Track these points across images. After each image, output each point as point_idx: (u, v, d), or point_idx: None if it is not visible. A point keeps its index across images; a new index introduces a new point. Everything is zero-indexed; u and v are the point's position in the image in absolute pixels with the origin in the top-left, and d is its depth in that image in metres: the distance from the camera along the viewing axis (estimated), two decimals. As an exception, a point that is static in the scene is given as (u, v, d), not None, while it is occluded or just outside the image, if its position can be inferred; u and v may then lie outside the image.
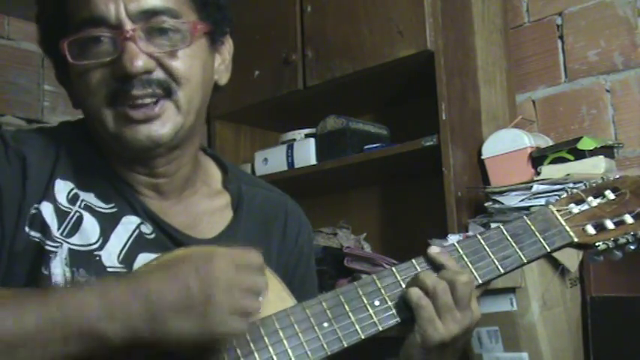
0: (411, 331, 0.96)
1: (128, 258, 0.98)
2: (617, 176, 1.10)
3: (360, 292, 0.95)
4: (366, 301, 0.94)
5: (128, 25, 0.95)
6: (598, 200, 1.07)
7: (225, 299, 0.81)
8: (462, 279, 0.94)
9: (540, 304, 1.59)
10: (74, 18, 0.97)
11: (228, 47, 1.12)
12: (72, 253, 0.95)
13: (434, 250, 0.99)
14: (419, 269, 0.98)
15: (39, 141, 1.01)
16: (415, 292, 0.95)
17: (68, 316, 0.78)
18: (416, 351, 0.96)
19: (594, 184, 1.09)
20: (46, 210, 0.96)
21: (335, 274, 2.16)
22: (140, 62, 0.94)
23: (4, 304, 0.79)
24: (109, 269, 0.96)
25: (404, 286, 0.97)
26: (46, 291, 0.83)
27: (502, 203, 1.78)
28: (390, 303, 0.95)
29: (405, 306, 0.95)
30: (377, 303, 0.94)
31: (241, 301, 0.83)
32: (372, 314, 0.93)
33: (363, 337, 0.92)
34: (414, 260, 0.99)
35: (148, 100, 0.96)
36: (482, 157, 1.94)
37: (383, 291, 0.95)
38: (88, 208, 0.99)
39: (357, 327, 0.92)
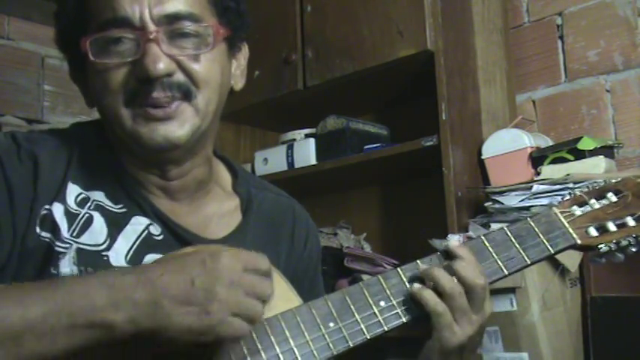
0: (428, 337, 0.95)
1: (135, 259, 0.98)
2: (620, 178, 1.10)
3: (366, 293, 0.95)
4: (371, 302, 0.94)
5: (151, 27, 0.95)
6: (600, 202, 1.08)
7: (227, 297, 0.80)
8: (480, 283, 0.94)
9: (540, 304, 1.59)
10: (97, 17, 0.98)
11: (244, 53, 1.13)
12: (80, 252, 0.95)
13: (454, 243, 0.99)
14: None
15: (51, 142, 1.01)
16: (431, 298, 0.94)
17: (74, 305, 0.77)
18: (435, 356, 0.96)
19: (597, 186, 1.10)
20: (57, 211, 0.96)
21: (335, 274, 2.16)
22: (162, 65, 0.95)
23: (10, 294, 0.78)
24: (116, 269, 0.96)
25: (410, 286, 0.97)
26: (52, 281, 0.83)
27: (502, 203, 1.78)
28: (395, 303, 0.95)
29: (410, 306, 0.95)
30: (382, 303, 0.95)
31: (244, 302, 0.82)
32: (378, 314, 0.94)
33: (368, 337, 0.92)
34: (418, 261, 0.99)
35: (166, 103, 0.97)
36: (482, 157, 1.93)
37: (388, 291, 0.96)
38: (99, 208, 1.00)
39: (363, 327, 0.92)
